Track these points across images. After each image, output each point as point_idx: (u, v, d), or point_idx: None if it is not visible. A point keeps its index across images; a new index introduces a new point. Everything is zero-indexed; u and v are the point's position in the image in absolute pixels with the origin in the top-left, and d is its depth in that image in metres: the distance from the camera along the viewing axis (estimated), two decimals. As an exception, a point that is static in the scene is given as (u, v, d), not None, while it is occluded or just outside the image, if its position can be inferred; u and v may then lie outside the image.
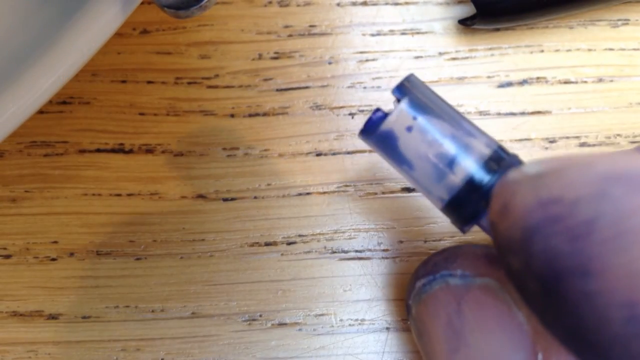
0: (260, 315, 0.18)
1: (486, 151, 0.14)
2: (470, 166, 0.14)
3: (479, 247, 0.15)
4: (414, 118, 0.14)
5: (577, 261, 0.10)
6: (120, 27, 0.15)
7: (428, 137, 0.14)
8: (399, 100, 0.14)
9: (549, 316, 0.11)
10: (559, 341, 0.11)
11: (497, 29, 0.20)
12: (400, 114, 0.14)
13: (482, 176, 0.14)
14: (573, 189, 0.10)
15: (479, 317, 0.13)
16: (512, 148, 0.19)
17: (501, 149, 0.14)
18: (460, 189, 0.14)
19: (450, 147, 0.14)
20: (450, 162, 0.14)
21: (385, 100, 0.20)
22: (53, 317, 0.18)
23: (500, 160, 0.14)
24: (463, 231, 0.14)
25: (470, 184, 0.14)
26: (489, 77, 0.20)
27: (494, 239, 0.12)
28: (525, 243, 0.11)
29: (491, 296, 0.13)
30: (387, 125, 0.14)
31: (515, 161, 0.14)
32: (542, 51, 0.20)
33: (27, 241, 0.19)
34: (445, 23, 0.21)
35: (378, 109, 0.15)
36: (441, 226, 0.19)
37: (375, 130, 0.14)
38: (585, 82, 0.20)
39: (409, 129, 0.14)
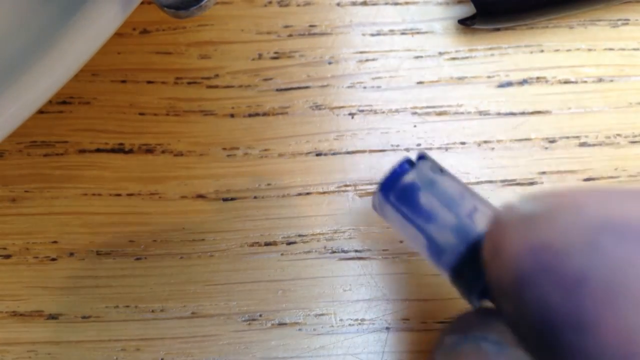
0: (260, 315, 0.18)
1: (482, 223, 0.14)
2: (462, 240, 0.14)
3: None
4: (440, 170, 0.15)
5: (570, 315, 0.10)
6: (120, 27, 0.15)
7: (450, 190, 0.15)
8: (411, 164, 0.15)
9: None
10: None
11: (497, 29, 0.20)
12: (424, 166, 0.15)
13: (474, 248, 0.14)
14: (563, 236, 0.10)
15: None
16: (512, 148, 0.19)
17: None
18: (474, 243, 0.14)
19: (469, 202, 0.14)
20: (470, 214, 0.14)
21: (385, 100, 0.20)
22: (53, 317, 0.18)
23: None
24: (472, 302, 0.14)
25: (464, 258, 0.14)
26: (489, 77, 0.20)
27: (487, 278, 0.12)
28: (517, 289, 0.11)
29: None
30: (411, 176, 0.15)
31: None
32: (542, 51, 0.20)
33: (27, 241, 0.19)
34: (445, 23, 0.21)
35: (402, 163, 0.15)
36: (441, 226, 0.19)
37: (399, 180, 0.15)
38: (585, 82, 0.20)
39: (432, 182, 0.15)
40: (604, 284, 0.10)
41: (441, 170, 0.15)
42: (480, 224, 0.14)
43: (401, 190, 0.15)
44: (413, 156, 0.16)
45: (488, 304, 0.14)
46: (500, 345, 0.13)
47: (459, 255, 0.14)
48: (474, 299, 0.14)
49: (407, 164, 0.15)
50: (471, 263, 0.14)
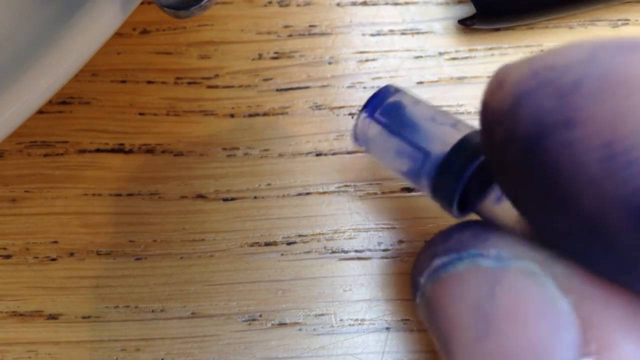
0: (260, 315, 0.18)
1: (456, 135, 0.14)
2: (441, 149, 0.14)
3: (511, 225, 0.14)
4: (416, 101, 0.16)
5: (562, 114, 0.10)
6: (120, 27, 0.15)
7: (432, 109, 0.15)
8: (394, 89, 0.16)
9: (525, 187, 0.11)
10: (535, 219, 0.11)
11: (497, 29, 0.20)
12: (405, 92, 0.16)
13: (467, 147, 0.14)
14: (565, 56, 0.11)
15: (515, 304, 0.12)
16: (512, 148, 0.19)
17: (471, 134, 0.15)
18: (454, 146, 0.14)
19: (451, 117, 0.15)
20: (454, 124, 0.15)
21: (385, 100, 0.20)
22: (53, 317, 0.18)
23: (472, 141, 0.14)
24: (454, 213, 0.14)
25: (462, 143, 0.14)
26: (488, 77, 0.20)
27: (481, 123, 0.12)
28: (514, 108, 0.11)
29: (531, 281, 0.12)
30: (395, 97, 0.15)
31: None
32: (542, 51, 0.20)
33: (27, 241, 0.19)
34: (445, 23, 0.21)
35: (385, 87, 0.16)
36: (441, 226, 0.19)
37: (384, 100, 0.16)
38: (585, 82, 0.20)
39: (416, 102, 0.15)
40: (597, 84, 0.10)
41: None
42: (463, 131, 0.14)
43: (387, 107, 0.15)
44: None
45: (471, 218, 0.14)
46: (502, 259, 0.13)
47: (441, 159, 0.14)
48: (455, 209, 0.14)
49: (390, 87, 0.16)
50: (453, 166, 0.14)
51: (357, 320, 0.18)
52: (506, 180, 0.12)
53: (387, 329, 0.18)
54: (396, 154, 0.15)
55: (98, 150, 0.19)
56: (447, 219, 0.19)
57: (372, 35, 0.20)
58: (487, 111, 0.12)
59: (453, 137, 0.14)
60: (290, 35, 0.20)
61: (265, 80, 0.20)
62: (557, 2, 0.19)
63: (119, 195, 0.19)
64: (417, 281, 0.14)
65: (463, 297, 0.13)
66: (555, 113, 0.10)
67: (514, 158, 0.11)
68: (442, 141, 0.14)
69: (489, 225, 0.14)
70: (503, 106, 0.11)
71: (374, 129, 0.16)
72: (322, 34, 0.20)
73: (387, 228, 0.19)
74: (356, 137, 0.16)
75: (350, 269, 0.18)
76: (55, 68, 0.14)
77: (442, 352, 0.13)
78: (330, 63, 0.20)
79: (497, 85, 0.12)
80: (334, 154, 0.19)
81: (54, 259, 0.19)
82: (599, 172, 0.10)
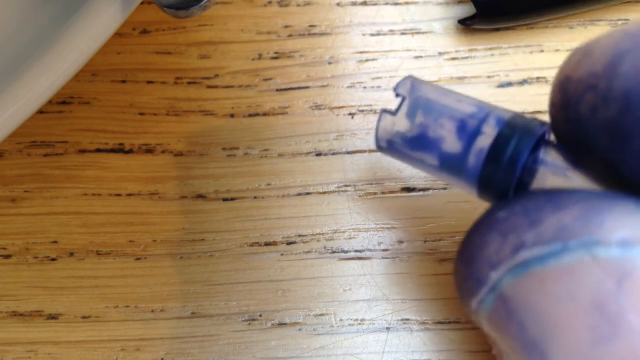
0: (260, 315, 0.18)
1: (493, 124, 0.14)
2: (482, 148, 0.14)
3: (629, 199, 0.11)
4: (421, 116, 0.15)
5: None
6: (120, 27, 0.15)
7: (437, 132, 0.14)
8: (402, 97, 0.15)
9: (620, 149, 0.10)
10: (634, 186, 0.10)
11: (497, 29, 0.20)
12: (406, 110, 0.15)
13: (508, 133, 0.13)
14: None
15: None
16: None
17: (514, 116, 0.14)
18: (482, 174, 0.13)
19: (461, 134, 0.14)
20: (465, 147, 0.14)
21: (385, 101, 0.20)
22: (53, 317, 0.18)
23: (514, 127, 0.14)
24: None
25: (488, 163, 0.13)
26: (489, 77, 0.20)
27: (560, 98, 0.12)
28: (612, 68, 0.11)
29: None
30: (418, 88, 0.15)
31: (530, 122, 0.14)
32: (542, 51, 0.20)
33: (27, 241, 0.19)
34: (445, 23, 0.21)
35: (383, 110, 0.15)
36: (441, 226, 0.19)
37: (388, 136, 0.15)
38: (585, 82, 0.20)
39: (438, 89, 0.15)
40: None
41: (431, 89, 0.15)
42: (497, 115, 0.14)
43: (413, 101, 0.15)
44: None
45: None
46: (629, 246, 0.11)
47: (489, 147, 0.13)
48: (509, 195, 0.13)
49: (408, 80, 0.15)
50: (504, 152, 0.13)
51: (357, 320, 0.18)
52: (592, 149, 0.11)
53: (387, 329, 0.18)
54: (428, 148, 0.14)
55: (98, 150, 0.19)
56: (447, 219, 0.19)
57: (372, 35, 0.20)
58: (572, 82, 0.12)
59: (490, 122, 0.14)
60: (290, 35, 0.20)
61: (265, 80, 0.20)
62: (557, 2, 0.19)
63: (119, 195, 0.19)
64: (484, 276, 0.12)
65: (574, 295, 0.11)
66: None
67: (609, 119, 0.11)
68: (482, 126, 0.14)
69: (602, 202, 0.11)
70: (597, 70, 0.11)
71: (401, 126, 0.15)
72: (322, 34, 0.20)
73: (387, 228, 0.19)
74: (379, 140, 0.15)
75: (350, 269, 0.18)
76: (55, 68, 0.14)
77: (525, 358, 0.11)
78: (330, 63, 0.20)
79: (584, 55, 0.12)
80: (334, 154, 0.19)
81: (54, 259, 0.19)
82: None
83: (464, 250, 0.13)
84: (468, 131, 0.14)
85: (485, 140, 0.14)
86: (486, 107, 0.14)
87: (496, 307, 0.12)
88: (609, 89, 0.11)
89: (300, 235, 0.19)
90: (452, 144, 0.14)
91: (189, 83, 0.20)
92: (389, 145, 0.15)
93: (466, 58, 0.20)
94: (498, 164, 0.13)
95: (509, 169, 0.13)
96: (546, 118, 0.20)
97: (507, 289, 0.12)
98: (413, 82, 0.15)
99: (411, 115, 0.15)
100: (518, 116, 0.14)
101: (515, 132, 0.13)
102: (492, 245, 0.12)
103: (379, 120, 0.15)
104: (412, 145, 0.15)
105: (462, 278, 0.13)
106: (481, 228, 0.13)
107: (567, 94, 0.12)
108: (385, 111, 0.15)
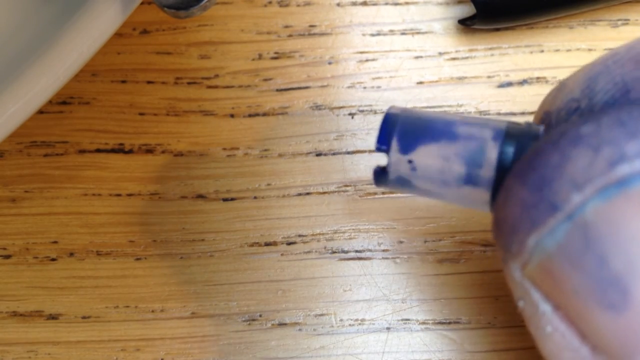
0: (260, 315, 0.18)
1: (493, 137, 0.13)
2: (490, 160, 0.13)
3: None
4: (409, 161, 0.14)
5: None
6: (120, 27, 0.15)
7: (435, 164, 0.14)
8: (386, 151, 0.14)
9: None
10: None
11: (497, 29, 0.20)
12: (395, 163, 0.14)
13: (507, 159, 0.13)
14: None
15: None
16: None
17: (509, 125, 0.14)
18: (495, 182, 0.13)
19: (462, 157, 0.13)
20: (470, 170, 0.13)
21: (385, 101, 0.20)
22: (53, 317, 0.18)
23: (514, 132, 0.13)
24: None
25: (500, 172, 0.13)
26: (489, 77, 0.20)
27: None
28: (589, 88, 0.11)
29: None
30: (391, 177, 0.14)
31: (528, 126, 0.13)
32: (542, 51, 0.20)
33: (27, 241, 0.19)
34: (445, 23, 0.21)
35: (376, 167, 0.14)
36: (441, 226, 0.19)
37: (385, 183, 0.14)
38: (585, 82, 0.20)
39: (413, 169, 0.14)
40: None
41: (416, 136, 0.14)
42: (489, 126, 0.13)
43: (394, 186, 0.14)
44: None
45: None
46: None
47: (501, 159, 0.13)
48: None
49: (378, 167, 0.14)
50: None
51: (357, 320, 0.18)
52: None
53: (387, 329, 0.18)
54: (442, 173, 0.14)
55: (98, 150, 0.19)
56: (447, 219, 0.19)
57: (372, 35, 0.20)
58: (552, 113, 0.12)
59: (487, 133, 0.13)
60: (290, 35, 0.20)
61: (265, 80, 0.20)
62: (557, 2, 0.19)
63: (119, 195, 0.19)
64: (562, 200, 0.10)
65: None
66: None
67: None
68: (483, 184, 0.13)
69: None
70: (575, 95, 0.12)
71: (396, 171, 0.14)
72: (322, 34, 0.20)
73: (387, 228, 0.19)
74: (388, 181, 0.14)
75: (350, 269, 0.18)
76: (55, 68, 0.14)
77: (596, 298, 0.10)
78: (330, 63, 0.20)
79: (557, 90, 0.12)
80: (334, 154, 0.19)
81: (54, 259, 0.19)
82: None
83: (529, 173, 0.11)
84: (469, 151, 0.13)
85: (491, 154, 0.13)
86: (478, 121, 0.14)
87: (569, 238, 0.10)
88: (591, 106, 0.11)
89: (300, 235, 0.19)
90: (455, 169, 0.14)
91: (189, 83, 0.20)
92: (393, 187, 0.15)
93: (466, 58, 0.20)
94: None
95: None
96: (546, 118, 0.20)
97: (592, 214, 0.10)
98: (393, 133, 0.14)
99: (403, 156, 0.14)
100: (512, 124, 0.14)
101: (517, 140, 0.13)
102: (578, 161, 0.10)
103: (374, 179, 0.14)
104: (414, 182, 0.14)
105: (521, 208, 0.11)
106: (558, 146, 0.11)
107: (549, 125, 0.12)
108: (376, 170, 0.14)
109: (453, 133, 0.14)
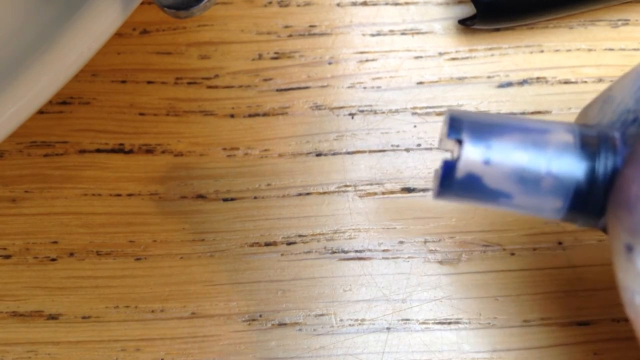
0: (260, 315, 0.18)
1: (571, 139, 0.13)
2: (570, 163, 0.12)
3: None
4: (488, 147, 0.13)
5: None
6: (120, 27, 0.15)
7: (511, 158, 0.13)
8: (458, 141, 0.13)
9: None
10: None
11: (497, 29, 0.20)
12: (468, 155, 0.13)
13: (587, 166, 0.12)
14: None
15: None
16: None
17: (582, 128, 0.13)
18: (575, 190, 0.12)
19: (539, 156, 0.13)
20: (548, 170, 0.13)
21: (385, 101, 0.20)
22: (53, 317, 0.18)
23: (590, 139, 0.13)
24: (599, 226, 0.13)
25: (580, 180, 0.12)
26: (489, 77, 0.20)
27: None
28: None
29: None
30: (460, 174, 0.13)
31: (605, 131, 0.13)
32: (542, 51, 0.20)
33: (27, 241, 0.19)
34: (445, 23, 0.21)
35: (445, 162, 0.13)
36: (441, 226, 0.19)
37: (451, 184, 0.13)
38: (586, 82, 0.20)
39: (486, 162, 0.13)
40: None
41: (487, 130, 0.13)
42: (568, 162, 0.12)
43: (461, 187, 0.13)
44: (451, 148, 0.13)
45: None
46: None
47: (566, 202, 0.12)
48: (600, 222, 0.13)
49: (448, 161, 0.13)
50: (584, 197, 0.12)
51: (357, 320, 0.18)
52: None
53: (387, 329, 0.18)
54: (520, 170, 0.13)
55: (98, 151, 0.19)
56: (447, 219, 0.19)
57: (372, 35, 0.20)
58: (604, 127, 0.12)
59: (568, 137, 0.13)
60: (290, 36, 0.20)
61: (265, 80, 0.20)
62: (557, 2, 0.19)
63: (119, 195, 0.19)
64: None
65: None
66: None
67: None
68: (556, 193, 0.13)
69: None
70: (629, 107, 0.12)
71: (469, 163, 0.13)
72: (322, 34, 0.20)
73: (387, 228, 0.19)
74: (454, 180, 0.13)
75: (350, 269, 0.18)
76: (55, 68, 0.14)
77: None
78: (330, 63, 0.20)
79: (604, 102, 0.13)
80: (334, 154, 0.19)
81: (54, 259, 0.19)
82: None
83: None
84: (551, 152, 0.13)
85: (573, 160, 0.13)
86: (547, 123, 0.13)
87: None
88: None
89: (300, 235, 0.19)
90: (535, 167, 0.13)
91: (189, 83, 0.20)
92: (457, 190, 0.13)
93: (466, 58, 0.20)
94: (593, 181, 0.13)
95: (603, 185, 0.12)
96: (546, 118, 0.20)
97: None
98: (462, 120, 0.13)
99: (476, 148, 0.13)
100: (583, 128, 0.13)
101: (597, 146, 0.13)
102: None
103: (442, 178, 0.13)
104: (485, 180, 0.13)
105: None
106: None
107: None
108: (446, 165, 0.13)
109: (528, 130, 0.13)
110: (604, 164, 0.12)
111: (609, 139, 0.13)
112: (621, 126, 0.13)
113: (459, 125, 0.13)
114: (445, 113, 0.13)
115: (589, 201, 0.13)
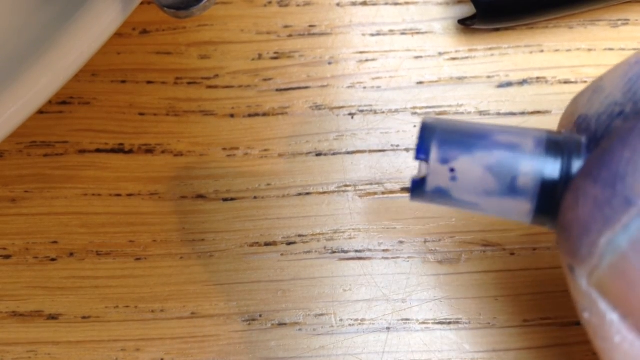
0: (260, 315, 0.18)
1: (535, 146, 0.13)
2: (535, 169, 0.13)
3: None
4: (451, 170, 0.13)
5: None
6: (120, 27, 0.15)
7: (477, 174, 0.13)
8: (426, 160, 0.14)
9: None
10: None
11: (497, 29, 0.20)
12: (434, 173, 0.13)
13: (552, 168, 0.13)
14: None
15: None
16: (512, 148, 0.19)
17: (549, 134, 0.13)
18: (540, 193, 0.13)
19: (505, 166, 0.13)
20: (513, 179, 0.13)
21: (385, 101, 0.20)
22: (53, 317, 0.18)
23: (557, 141, 0.13)
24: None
25: (546, 182, 0.13)
26: (489, 77, 0.20)
27: None
28: (632, 91, 0.12)
29: None
30: (429, 188, 0.14)
31: (571, 137, 0.13)
32: (542, 51, 0.20)
33: (27, 241, 0.19)
34: (445, 23, 0.21)
35: (413, 179, 0.14)
36: (441, 226, 0.19)
37: (422, 195, 0.14)
38: (585, 82, 0.20)
39: (453, 179, 0.13)
40: None
41: (456, 145, 0.13)
42: (532, 168, 0.13)
43: (431, 198, 0.14)
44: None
45: None
46: None
47: (533, 206, 0.13)
48: None
49: (416, 179, 0.14)
50: (549, 200, 0.13)
51: (357, 320, 0.18)
52: None
53: (387, 329, 0.18)
54: (484, 183, 0.13)
55: (98, 151, 0.19)
56: (447, 219, 0.19)
57: (372, 35, 0.20)
58: (590, 118, 0.12)
59: (530, 142, 0.13)
60: (290, 35, 0.20)
61: (265, 80, 0.20)
62: (557, 2, 0.19)
63: (119, 195, 0.19)
64: (634, 192, 0.10)
65: None
66: None
67: None
68: (524, 198, 0.13)
69: None
70: (617, 99, 0.12)
71: (437, 179, 0.14)
72: (322, 34, 0.20)
73: (387, 228, 0.19)
74: (425, 193, 0.14)
75: (350, 269, 0.18)
76: (55, 68, 0.14)
77: None
78: (330, 63, 0.20)
79: (594, 92, 0.13)
80: (334, 154, 0.19)
81: (54, 259, 0.19)
82: None
83: (601, 171, 0.11)
84: (513, 161, 0.13)
85: (536, 163, 0.13)
86: (517, 130, 0.14)
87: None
88: (637, 109, 0.11)
89: (300, 235, 0.19)
90: (498, 178, 0.13)
91: (189, 83, 0.20)
92: (430, 199, 0.14)
93: (466, 58, 0.20)
94: (554, 186, 0.13)
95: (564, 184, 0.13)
96: (546, 118, 0.20)
97: None
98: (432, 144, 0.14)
99: (443, 166, 0.13)
100: (551, 133, 0.13)
101: (561, 149, 0.13)
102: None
103: (411, 191, 0.14)
104: (453, 193, 0.14)
105: (594, 206, 0.11)
106: (628, 142, 0.11)
107: (588, 129, 0.12)
108: (414, 182, 0.14)
109: (495, 142, 0.13)
110: (566, 169, 0.13)
111: (575, 145, 0.13)
112: (607, 118, 0.13)
113: (426, 144, 0.14)
114: (422, 125, 0.14)
115: (553, 205, 0.13)
